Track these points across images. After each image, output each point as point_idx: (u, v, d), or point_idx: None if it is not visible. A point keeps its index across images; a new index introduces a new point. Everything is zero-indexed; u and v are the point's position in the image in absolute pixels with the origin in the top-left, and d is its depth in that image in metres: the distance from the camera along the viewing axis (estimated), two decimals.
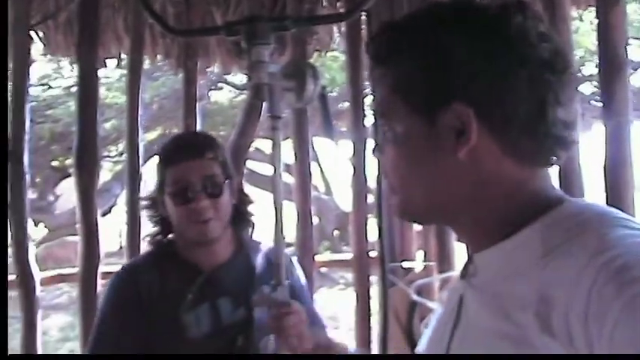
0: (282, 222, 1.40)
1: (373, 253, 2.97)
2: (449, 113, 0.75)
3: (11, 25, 2.58)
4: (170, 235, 1.62)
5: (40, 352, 2.73)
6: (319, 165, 10.84)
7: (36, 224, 10.81)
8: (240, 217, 1.65)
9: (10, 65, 2.65)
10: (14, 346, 2.66)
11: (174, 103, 8.61)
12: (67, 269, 3.51)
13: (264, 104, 1.44)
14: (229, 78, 9.00)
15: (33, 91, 9.28)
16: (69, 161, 10.83)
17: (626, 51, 1.81)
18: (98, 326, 1.55)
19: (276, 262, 1.39)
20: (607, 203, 1.85)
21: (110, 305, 1.56)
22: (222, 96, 10.22)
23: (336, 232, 10.10)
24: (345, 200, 10.15)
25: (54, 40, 3.24)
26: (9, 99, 2.60)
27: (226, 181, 1.56)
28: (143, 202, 1.67)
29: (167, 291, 1.53)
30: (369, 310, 3.02)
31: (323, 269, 8.10)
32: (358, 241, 3.05)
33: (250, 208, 1.69)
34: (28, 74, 2.73)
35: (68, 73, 9.51)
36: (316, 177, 10.06)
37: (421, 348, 0.96)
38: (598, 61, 1.87)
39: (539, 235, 0.73)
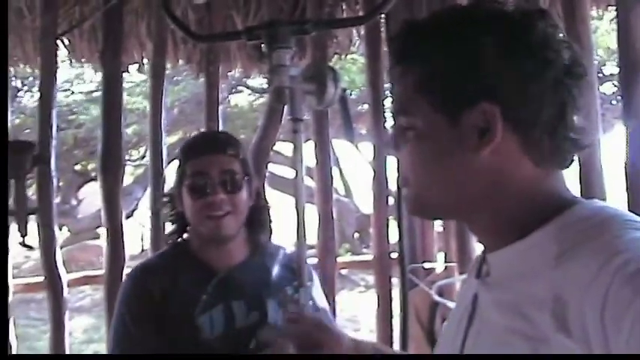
0: (304, 224, 1.41)
1: (394, 255, 2.99)
2: (474, 113, 0.76)
3: (39, 34, 2.64)
4: (185, 235, 1.62)
5: (67, 352, 2.78)
6: (339, 167, 10.87)
7: (59, 228, 10.98)
8: (258, 220, 1.64)
9: (38, 72, 2.72)
10: (42, 346, 2.72)
11: (194, 107, 8.70)
12: (92, 271, 3.57)
13: (286, 107, 1.47)
14: (249, 82, 9.08)
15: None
16: (91, 166, 10.99)
17: None
18: (115, 327, 1.55)
19: (299, 264, 1.38)
20: (627, 203, 1.86)
21: (124, 305, 1.55)
22: (242, 99, 10.30)
23: (356, 235, 10.11)
24: (365, 202, 10.18)
25: (78, 46, 3.31)
26: (36, 104, 2.66)
27: (245, 180, 1.56)
28: (163, 199, 1.68)
29: (181, 291, 1.52)
30: (391, 311, 3.04)
31: (344, 271, 8.14)
32: (379, 242, 3.07)
33: (268, 212, 1.68)
34: (55, 81, 2.78)
35: (90, 78, 9.67)
36: (336, 179, 10.09)
37: (437, 347, 0.98)
38: (618, 62, 1.87)
39: (554, 236, 0.74)
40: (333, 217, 3.07)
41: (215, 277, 1.54)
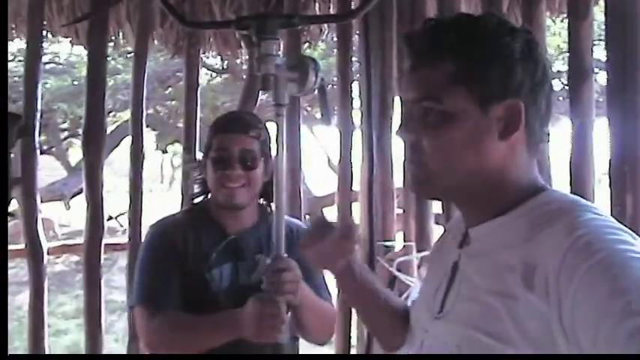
0: (282, 200, 1.53)
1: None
2: (501, 107, 0.90)
3: (27, 10, 2.72)
4: (205, 199, 1.80)
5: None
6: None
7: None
8: (269, 193, 1.78)
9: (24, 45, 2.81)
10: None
11: (156, 84, 8.71)
12: (71, 240, 3.65)
13: (264, 92, 1.61)
14: (207, 61, 9.10)
15: (12, 66, 9.25)
16: (44, 138, 10.80)
17: (592, 59, 2.06)
18: (142, 271, 1.71)
19: (277, 235, 1.50)
20: (571, 193, 2.11)
21: (151, 250, 1.73)
22: (200, 78, 10.25)
23: (307, 217, 10.23)
24: (316, 185, 10.32)
25: (57, 21, 3.37)
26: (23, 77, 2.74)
27: (262, 159, 1.73)
28: (192, 164, 1.85)
29: (198, 247, 1.71)
30: None
31: None
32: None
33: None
34: (41, 55, 2.87)
35: (47, 49, 9.48)
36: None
37: (413, 307, 1.15)
38: (568, 66, 2.11)
39: (527, 215, 0.91)
40: (300, 198, 3.24)
41: (226, 237, 1.72)
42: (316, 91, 1.69)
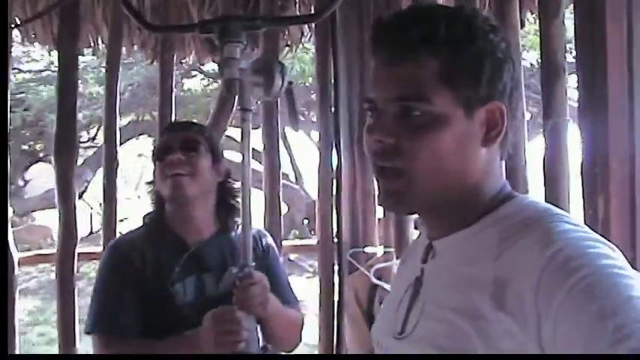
0: (249, 208, 1.52)
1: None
2: (485, 109, 0.84)
3: None
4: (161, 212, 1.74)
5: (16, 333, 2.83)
6: (290, 155, 10.93)
7: (14, 211, 10.78)
8: (227, 200, 1.77)
9: None
10: None
11: (147, 91, 8.67)
12: (43, 250, 3.60)
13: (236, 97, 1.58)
14: (203, 67, 9.08)
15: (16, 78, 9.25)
16: (40, 146, 10.80)
17: (565, 58, 2.01)
18: (99, 289, 1.67)
19: (243, 244, 1.51)
20: (545, 196, 2.05)
21: (108, 270, 1.68)
22: (196, 84, 10.27)
23: (305, 221, 10.25)
24: (314, 189, 10.18)
25: (31, 26, 3.32)
26: None
27: (209, 151, 1.69)
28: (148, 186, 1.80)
29: (157, 261, 1.65)
30: (333, 294, 3.18)
31: (293, 256, 8.26)
32: (323, 227, 3.21)
33: (237, 197, 1.78)
34: (9, 61, 2.82)
35: (39, 56, 9.47)
36: (287, 167, 10.17)
37: (376, 326, 1.05)
38: (540, 67, 2.05)
39: (494, 226, 0.84)
40: (280, 202, 3.19)
41: (187, 251, 1.67)
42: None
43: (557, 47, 1.99)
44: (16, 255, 2.82)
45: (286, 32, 3.44)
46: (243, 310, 1.50)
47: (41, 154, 10.88)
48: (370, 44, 0.88)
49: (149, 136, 10.15)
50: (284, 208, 9.95)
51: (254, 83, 1.54)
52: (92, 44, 3.37)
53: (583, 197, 1.80)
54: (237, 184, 1.81)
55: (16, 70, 9.59)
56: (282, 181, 3.23)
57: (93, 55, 3.65)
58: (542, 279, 0.74)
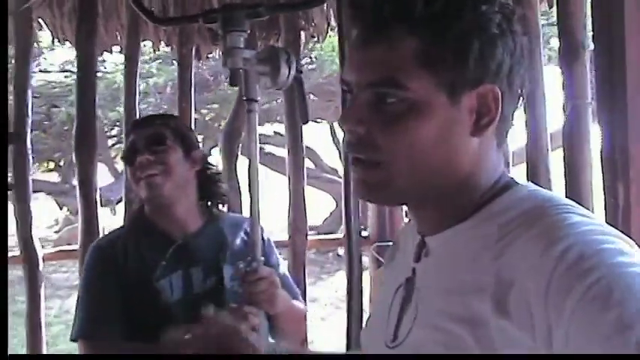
0: (258, 201, 1.48)
1: (364, 233, 3.07)
2: (475, 94, 0.74)
3: (12, 12, 2.70)
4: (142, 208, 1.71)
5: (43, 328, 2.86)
6: (339, 150, 10.82)
7: (60, 207, 11.11)
8: (208, 188, 1.72)
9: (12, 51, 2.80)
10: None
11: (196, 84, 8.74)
12: (67, 247, 3.65)
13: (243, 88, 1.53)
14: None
15: (56, 77, 9.51)
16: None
17: (585, 35, 1.86)
18: (81, 300, 1.63)
19: (252, 238, 1.48)
20: (565, 185, 1.91)
21: (92, 271, 1.64)
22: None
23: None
24: None
25: (59, 27, 3.36)
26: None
27: (178, 142, 1.63)
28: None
29: (142, 258, 1.61)
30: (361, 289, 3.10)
31: (340, 251, 8.24)
32: (348, 221, 3.12)
33: (218, 181, 1.76)
34: (30, 59, 2.87)
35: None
36: (336, 162, 10.06)
37: (365, 332, 0.97)
38: (559, 46, 1.92)
39: (493, 219, 0.75)
40: (304, 197, 3.12)
41: (172, 244, 1.61)
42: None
43: (576, 23, 1.85)
44: (40, 251, 2.85)
45: (312, 23, 3.37)
46: (251, 306, 1.45)
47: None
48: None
49: (198, 133, 10.27)
50: (332, 204, 9.94)
51: (259, 73, 1.51)
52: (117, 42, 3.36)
53: (603, 185, 1.68)
54: (216, 169, 1.76)
55: (68, 72, 9.88)
56: (331, 177, 3.16)
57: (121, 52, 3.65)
58: (551, 282, 0.65)
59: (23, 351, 2.85)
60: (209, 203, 1.73)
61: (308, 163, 3.63)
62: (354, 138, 0.77)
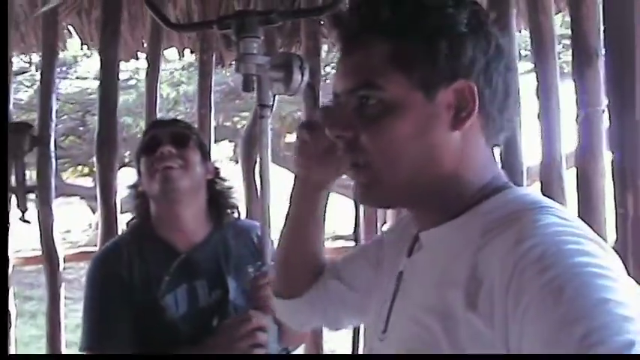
0: (269, 206, 1.48)
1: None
2: (450, 90, 0.77)
3: (41, 19, 2.77)
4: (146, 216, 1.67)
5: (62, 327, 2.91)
6: None
7: (93, 212, 11.29)
8: (218, 199, 1.71)
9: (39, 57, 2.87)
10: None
11: (222, 96, 8.84)
12: (88, 247, 3.71)
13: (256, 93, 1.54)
14: None
15: (91, 84, 9.68)
16: (126, 152, 11.22)
17: (599, 42, 1.81)
18: (86, 312, 1.61)
19: (262, 244, 1.47)
20: (577, 194, 1.87)
21: (95, 288, 1.62)
22: None
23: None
24: None
25: (88, 34, 3.43)
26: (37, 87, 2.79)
27: (197, 146, 1.64)
28: (129, 191, 1.74)
29: (146, 272, 1.58)
30: None
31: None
32: (368, 227, 3.09)
33: (229, 192, 1.75)
34: (55, 64, 2.93)
35: (125, 67, 9.85)
36: None
37: (368, 324, 0.99)
38: (572, 52, 1.87)
39: (480, 219, 0.77)
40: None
41: (177, 257, 1.60)
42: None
43: (589, 29, 1.81)
44: (61, 252, 2.91)
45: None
46: (258, 310, 1.45)
47: (126, 160, 11.31)
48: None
49: (230, 141, 10.34)
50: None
51: (273, 79, 1.51)
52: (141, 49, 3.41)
53: (614, 195, 1.64)
54: (228, 184, 1.76)
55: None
56: None
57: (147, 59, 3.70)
58: (513, 278, 0.67)
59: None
60: (216, 213, 1.72)
61: None
62: (343, 143, 0.81)
